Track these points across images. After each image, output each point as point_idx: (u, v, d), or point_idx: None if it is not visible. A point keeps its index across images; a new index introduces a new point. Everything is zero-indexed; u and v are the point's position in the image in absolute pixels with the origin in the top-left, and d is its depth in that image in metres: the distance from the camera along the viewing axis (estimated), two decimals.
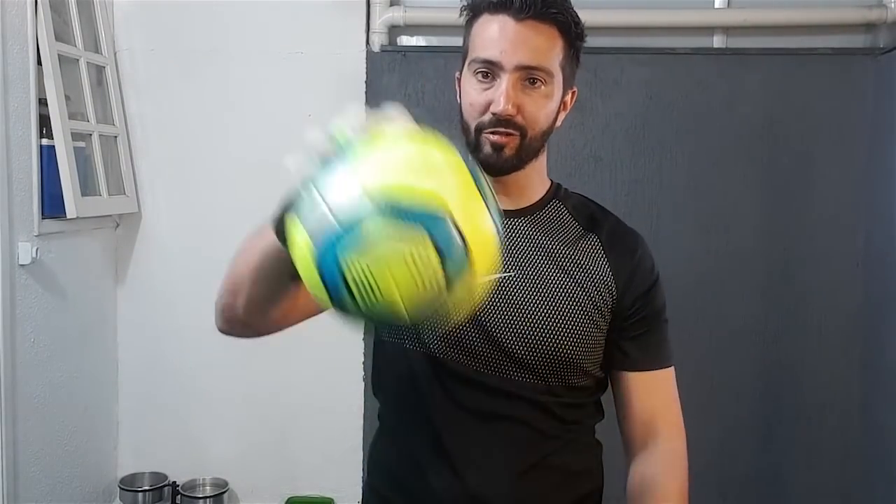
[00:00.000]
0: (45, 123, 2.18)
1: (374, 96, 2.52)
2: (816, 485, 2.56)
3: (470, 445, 1.15)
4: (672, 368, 1.23)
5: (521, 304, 1.14)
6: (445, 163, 0.83)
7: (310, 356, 2.60)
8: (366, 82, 2.53)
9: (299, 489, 2.67)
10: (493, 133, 1.11)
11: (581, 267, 1.17)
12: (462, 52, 1.18)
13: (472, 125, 1.13)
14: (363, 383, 2.58)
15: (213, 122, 2.59)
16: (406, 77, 2.50)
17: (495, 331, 1.13)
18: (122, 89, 2.57)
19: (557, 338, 1.14)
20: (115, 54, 2.56)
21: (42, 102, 2.18)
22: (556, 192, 1.24)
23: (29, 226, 2.13)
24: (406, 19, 2.52)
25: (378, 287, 0.77)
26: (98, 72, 2.50)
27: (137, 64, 2.58)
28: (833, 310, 2.54)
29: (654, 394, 1.22)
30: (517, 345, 1.13)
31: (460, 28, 1.19)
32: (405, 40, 2.61)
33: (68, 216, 2.22)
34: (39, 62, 2.16)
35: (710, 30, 2.58)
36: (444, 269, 0.78)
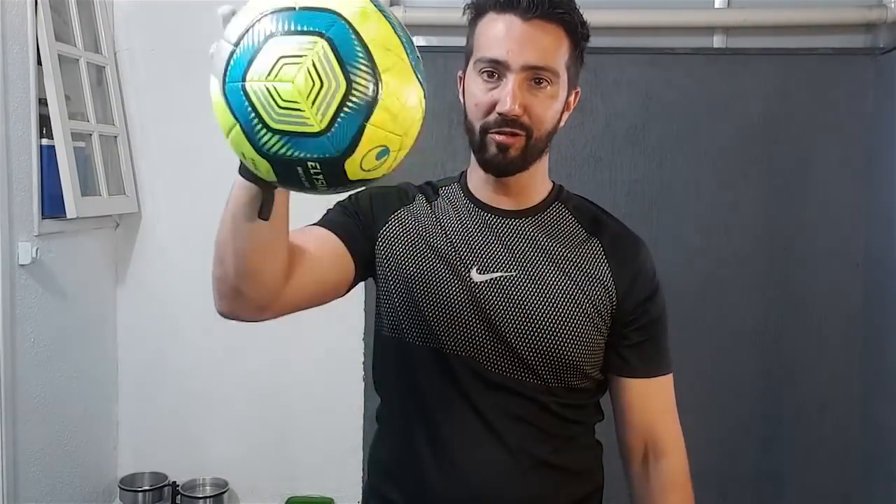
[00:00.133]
0: (45, 123, 2.18)
1: None
2: (816, 485, 2.56)
3: (470, 445, 1.15)
4: (671, 375, 1.23)
5: (524, 303, 1.14)
6: (411, 108, 0.81)
7: (310, 356, 2.61)
8: None
9: (299, 489, 2.67)
10: (498, 133, 1.11)
11: (582, 270, 1.17)
12: (466, 51, 1.17)
13: (478, 125, 1.13)
14: (363, 383, 2.57)
15: (213, 122, 2.57)
16: None
17: (502, 327, 1.14)
18: (122, 89, 2.57)
19: (557, 338, 1.14)
20: (115, 54, 2.56)
21: (42, 102, 2.18)
22: (558, 193, 1.23)
23: (29, 226, 2.13)
24: (406, 19, 2.52)
25: (278, 92, 0.75)
26: (98, 72, 2.50)
27: (137, 64, 2.58)
28: (833, 310, 2.54)
29: (652, 401, 1.22)
30: (521, 342, 1.14)
31: (461, 28, 1.18)
32: None
33: (68, 216, 2.22)
34: (39, 62, 2.16)
35: (710, 30, 2.58)
36: (343, 70, 0.76)
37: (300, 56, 0.75)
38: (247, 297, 1.03)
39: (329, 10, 0.77)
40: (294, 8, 0.77)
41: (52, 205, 2.20)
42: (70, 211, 2.21)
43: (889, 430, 2.37)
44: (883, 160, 2.42)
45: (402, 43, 0.81)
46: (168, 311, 2.64)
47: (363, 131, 0.77)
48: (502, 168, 1.13)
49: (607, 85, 2.51)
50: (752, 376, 2.57)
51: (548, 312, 1.14)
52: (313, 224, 1.20)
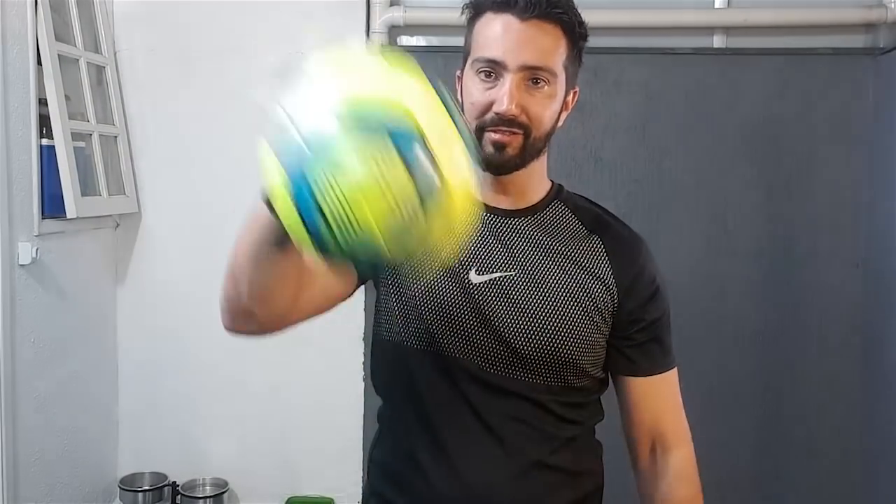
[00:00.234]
0: (45, 123, 2.18)
1: None
2: (816, 485, 2.56)
3: (470, 445, 1.15)
4: (675, 370, 1.24)
5: (524, 303, 1.14)
6: (413, 82, 0.81)
7: (310, 356, 2.60)
8: None
9: (299, 489, 2.67)
10: (494, 131, 1.11)
11: (583, 267, 1.17)
12: (463, 50, 1.17)
13: (474, 124, 1.12)
14: (363, 383, 2.58)
15: (213, 122, 2.59)
16: None
17: (501, 327, 1.14)
18: (122, 89, 2.57)
19: (558, 337, 1.14)
20: (115, 54, 2.55)
21: (42, 102, 2.18)
22: (557, 192, 1.23)
23: (29, 226, 2.13)
24: (406, 19, 2.52)
25: (353, 214, 0.75)
26: (98, 72, 2.50)
27: (137, 64, 2.58)
28: (833, 310, 2.54)
29: (659, 398, 1.23)
30: (521, 342, 1.13)
31: (460, 28, 1.18)
32: (405, 40, 2.61)
33: (68, 216, 2.22)
34: (39, 62, 2.16)
35: (710, 30, 2.58)
36: (416, 188, 0.76)
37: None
38: (258, 318, 1.04)
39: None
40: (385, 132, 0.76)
41: (52, 205, 2.20)
42: (70, 211, 2.21)
43: (889, 431, 2.37)
44: (883, 160, 2.42)
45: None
46: (168, 311, 2.63)
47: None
48: (499, 166, 1.13)
49: (607, 85, 2.51)
50: (752, 376, 2.57)
51: (548, 311, 1.14)
52: None
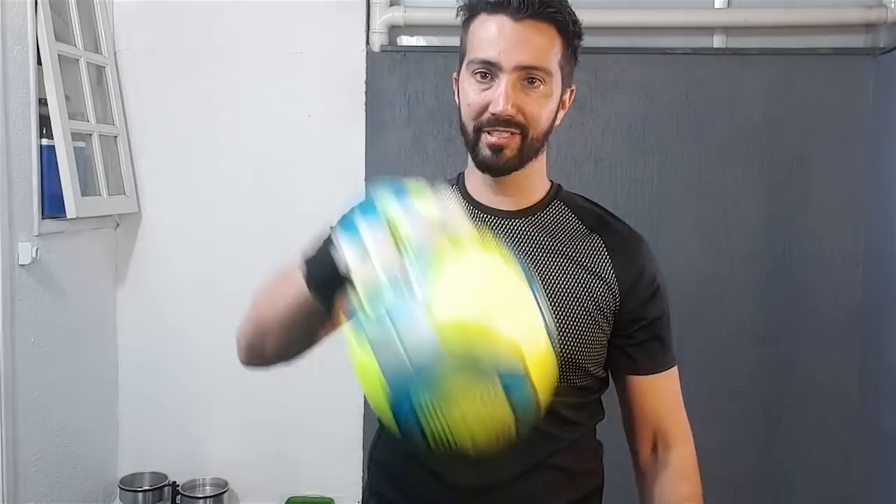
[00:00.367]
0: (45, 123, 2.18)
1: (374, 96, 2.53)
2: (817, 485, 2.56)
3: None
4: (675, 368, 1.24)
5: None
6: (508, 277, 0.80)
7: (310, 356, 2.60)
8: (366, 82, 2.53)
9: (299, 489, 2.67)
10: (491, 133, 1.11)
11: (584, 267, 1.17)
12: (460, 52, 1.17)
13: (471, 126, 1.13)
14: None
15: (213, 122, 2.59)
16: (406, 77, 2.50)
17: None
18: (122, 89, 2.57)
19: (561, 339, 1.13)
20: (115, 54, 2.56)
21: (42, 102, 2.18)
22: (556, 192, 1.23)
23: (29, 226, 2.13)
24: (406, 19, 2.52)
25: (452, 437, 0.77)
26: (98, 72, 2.50)
27: (137, 64, 2.58)
28: (833, 310, 2.54)
29: (660, 396, 1.23)
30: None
31: (460, 28, 1.18)
32: (405, 40, 2.61)
33: (68, 216, 2.22)
34: (39, 62, 2.16)
35: (710, 30, 2.58)
36: (516, 422, 0.79)
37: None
38: (279, 363, 1.09)
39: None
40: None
41: (52, 205, 2.20)
42: (70, 211, 2.21)
43: (889, 430, 2.37)
44: (883, 160, 2.42)
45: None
46: (168, 311, 2.64)
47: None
48: (497, 168, 1.13)
49: (607, 85, 2.51)
50: (752, 376, 2.57)
51: (551, 312, 1.14)
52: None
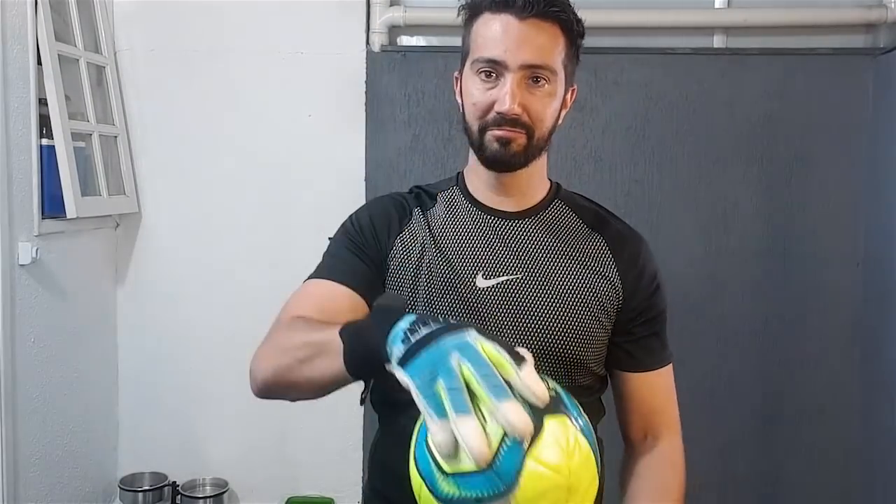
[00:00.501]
0: (45, 123, 2.18)
1: (374, 96, 2.53)
2: (816, 485, 2.56)
3: None
4: (671, 364, 1.25)
5: (529, 305, 1.14)
6: (578, 453, 0.77)
7: None
8: (366, 82, 2.53)
9: (299, 489, 2.67)
10: (498, 129, 1.11)
11: (587, 266, 1.17)
12: (462, 51, 1.17)
13: (476, 125, 1.13)
14: (363, 383, 2.57)
15: (213, 122, 2.59)
16: (406, 77, 2.50)
17: (509, 331, 1.13)
18: (122, 89, 2.57)
19: (564, 338, 1.14)
20: (115, 54, 2.56)
21: (42, 102, 2.18)
22: (557, 192, 1.24)
23: (29, 226, 2.13)
24: (406, 19, 2.52)
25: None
26: (98, 72, 2.50)
27: (137, 64, 2.58)
28: (833, 310, 2.54)
29: (656, 391, 1.24)
30: (529, 344, 1.13)
31: (461, 28, 1.18)
32: (405, 40, 2.61)
33: (68, 216, 2.22)
34: (39, 62, 2.16)
35: (710, 30, 2.58)
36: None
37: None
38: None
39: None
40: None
41: (52, 205, 2.20)
42: (70, 211, 2.21)
43: (889, 430, 2.37)
44: (883, 160, 2.42)
45: (568, 411, 0.80)
46: (168, 311, 2.64)
47: (524, 465, 0.74)
48: (505, 162, 1.13)
49: (607, 85, 2.51)
50: (751, 376, 2.57)
51: (555, 312, 1.14)
52: (321, 276, 1.18)
